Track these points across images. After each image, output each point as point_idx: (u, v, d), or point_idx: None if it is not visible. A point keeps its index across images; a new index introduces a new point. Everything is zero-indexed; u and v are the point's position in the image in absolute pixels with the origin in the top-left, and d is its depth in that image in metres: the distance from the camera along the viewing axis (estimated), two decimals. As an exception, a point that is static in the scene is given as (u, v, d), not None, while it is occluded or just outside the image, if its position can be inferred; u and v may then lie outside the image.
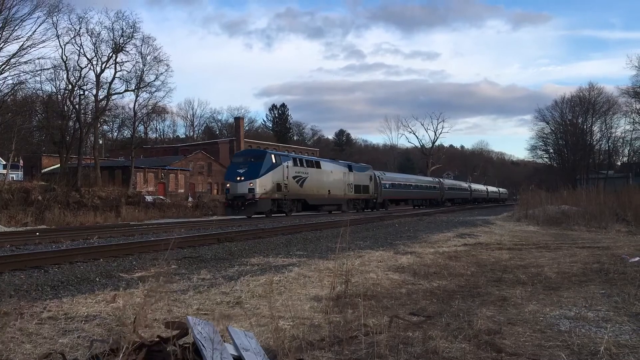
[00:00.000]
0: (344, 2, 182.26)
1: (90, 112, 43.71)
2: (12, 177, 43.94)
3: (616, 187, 32.26)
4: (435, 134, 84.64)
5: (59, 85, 40.47)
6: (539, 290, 6.51)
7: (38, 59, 37.54)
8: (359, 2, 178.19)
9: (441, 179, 61.51)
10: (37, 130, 45.86)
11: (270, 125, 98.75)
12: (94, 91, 41.64)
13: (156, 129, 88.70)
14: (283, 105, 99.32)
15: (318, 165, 33.54)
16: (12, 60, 34.04)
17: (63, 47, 38.61)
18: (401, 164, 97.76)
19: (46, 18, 36.03)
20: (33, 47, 34.95)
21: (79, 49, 39.70)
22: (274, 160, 28.35)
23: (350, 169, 37.33)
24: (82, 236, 14.48)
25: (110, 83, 42.16)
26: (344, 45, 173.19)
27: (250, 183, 26.84)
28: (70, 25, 39.21)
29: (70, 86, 39.95)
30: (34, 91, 40.38)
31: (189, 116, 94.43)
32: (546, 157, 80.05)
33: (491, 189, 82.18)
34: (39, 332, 4.45)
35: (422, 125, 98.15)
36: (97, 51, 40.68)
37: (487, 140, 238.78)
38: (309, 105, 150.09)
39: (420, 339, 4.23)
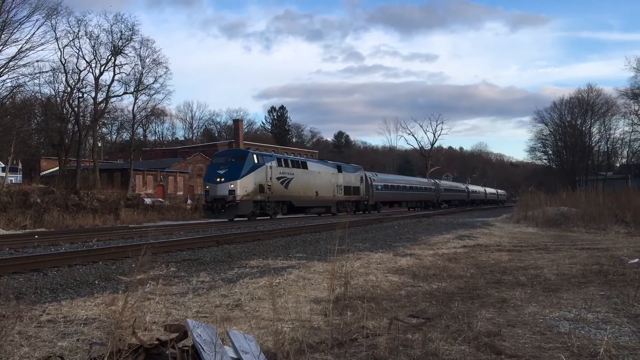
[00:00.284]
0: (343, 4, 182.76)
1: (89, 114, 43.62)
2: (11, 180, 43.90)
3: (615, 189, 32.33)
4: (434, 136, 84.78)
5: (58, 88, 40.47)
6: (539, 292, 6.51)
7: (37, 61, 37.29)
8: (357, 5, 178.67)
9: (437, 181, 60.83)
10: (35, 133, 45.81)
11: (269, 128, 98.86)
12: (93, 94, 41.59)
13: (155, 131, 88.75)
14: (282, 108, 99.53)
15: (304, 166, 32.47)
16: (11, 63, 33.99)
17: (62, 49, 38.57)
18: (400, 166, 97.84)
19: (45, 21, 35.96)
20: (32, 50, 34.88)
21: (77, 51, 39.67)
22: (256, 161, 27.31)
23: (339, 169, 36.19)
24: (81, 239, 14.47)
25: (109, 86, 42.11)
26: (342, 48, 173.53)
27: (231, 184, 25.72)
28: (69, 28, 39.14)
29: (69, 89, 39.93)
30: (33, 94, 40.42)
31: (188, 118, 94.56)
32: (545, 159, 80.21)
33: (489, 190, 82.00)
34: (38, 335, 4.44)
35: (421, 127, 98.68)
36: (96, 54, 40.64)
37: (486, 141, 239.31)
38: (307, 108, 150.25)
39: (420, 341, 4.23)
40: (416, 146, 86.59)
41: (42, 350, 3.99)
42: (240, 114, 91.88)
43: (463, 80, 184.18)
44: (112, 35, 40.81)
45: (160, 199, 45.63)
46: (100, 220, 27.05)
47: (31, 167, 54.35)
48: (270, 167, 28.24)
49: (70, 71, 39.62)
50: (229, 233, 15.70)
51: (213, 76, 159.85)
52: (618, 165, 77.16)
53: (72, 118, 41.23)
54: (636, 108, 58.81)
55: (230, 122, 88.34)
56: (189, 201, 47.87)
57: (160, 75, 43.20)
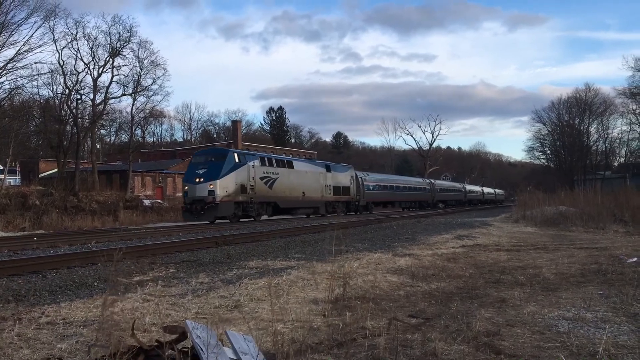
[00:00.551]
0: (341, 5, 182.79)
1: (87, 116, 43.62)
2: (10, 182, 43.89)
3: (613, 188, 32.40)
4: (432, 136, 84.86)
5: (56, 89, 40.45)
6: (538, 292, 6.52)
7: (35, 63, 37.48)
8: (355, 5, 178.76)
9: (432, 180, 60.07)
10: (34, 135, 45.83)
11: (268, 128, 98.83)
12: (91, 95, 41.56)
13: (154, 132, 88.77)
14: (280, 108, 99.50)
15: (290, 165, 31.27)
16: (9, 65, 34.08)
17: (60, 51, 38.57)
18: (399, 166, 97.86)
19: (43, 23, 36.04)
20: (30, 51, 34.97)
21: (75, 53, 39.67)
22: (237, 160, 26.24)
23: (328, 169, 35.12)
24: (80, 241, 14.45)
25: (108, 87, 42.09)
26: (340, 48, 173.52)
27: (210, 185, 24.63)
28: (67, 30, 39.23)
29: (67, 90, 39.93)
30: (31, 96, 40.43)
31: (186, 120, 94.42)
32: (543, 158, 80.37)
33: (487, 190, 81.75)
34: (37, 337, 4.44)
35: (420, 127, 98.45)
36: (94, 55, 40.64)
37: (485, 141, 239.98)
38: (306, 108, 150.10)
39: (419, 341, 4.23)
40: (414, 146, 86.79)
41: (42, 352, 3.99)
42: (239, 115, 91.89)
43: (461, 81, 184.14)
44: (110, 37, 40.87)
45: (159, 201, 45.56)
46: (99, 222, 27.02)
47: (30, 169, 54.31)
48: (253, 166, 27.22)
49: (69, 73, 39.69)
50: (227, 234, 15.70)
51: (211, 77, 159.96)
52: (616, 164, 77.38)
53: (70, 120, 41.24)
54: (634, 107, 59.08)
55: (228, 123, 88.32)
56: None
57: (159, 77, 43.30)
